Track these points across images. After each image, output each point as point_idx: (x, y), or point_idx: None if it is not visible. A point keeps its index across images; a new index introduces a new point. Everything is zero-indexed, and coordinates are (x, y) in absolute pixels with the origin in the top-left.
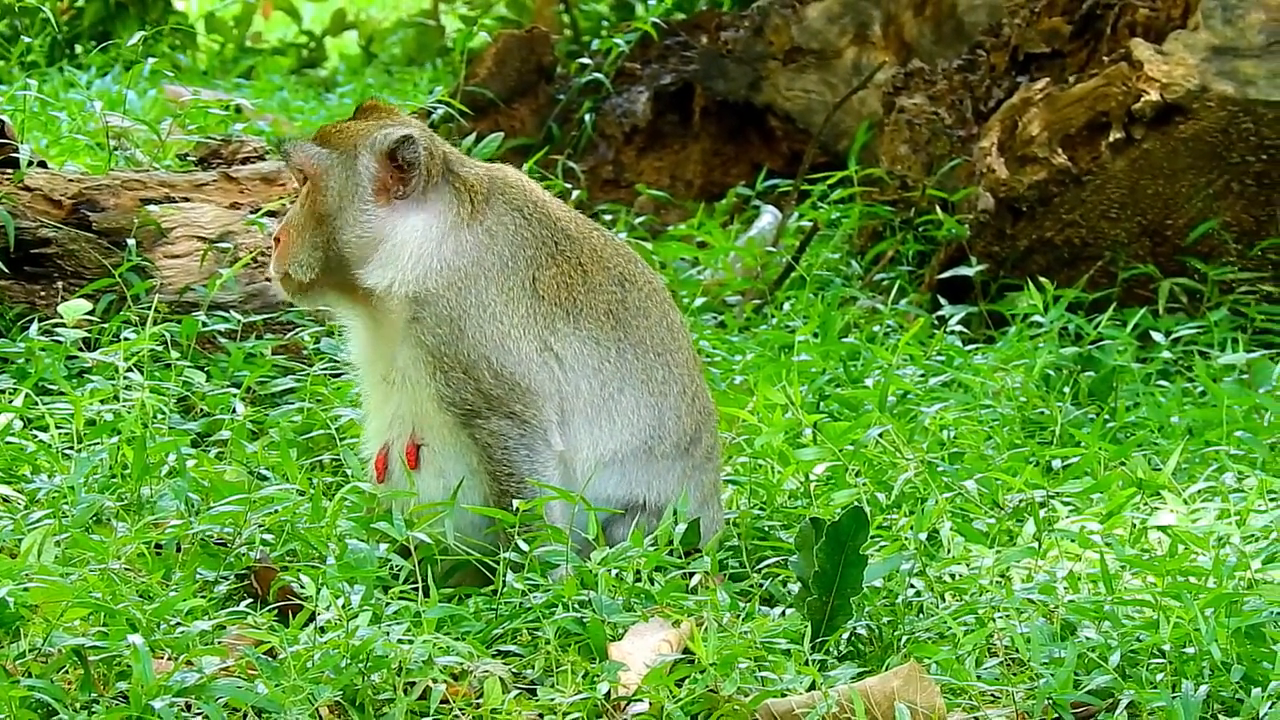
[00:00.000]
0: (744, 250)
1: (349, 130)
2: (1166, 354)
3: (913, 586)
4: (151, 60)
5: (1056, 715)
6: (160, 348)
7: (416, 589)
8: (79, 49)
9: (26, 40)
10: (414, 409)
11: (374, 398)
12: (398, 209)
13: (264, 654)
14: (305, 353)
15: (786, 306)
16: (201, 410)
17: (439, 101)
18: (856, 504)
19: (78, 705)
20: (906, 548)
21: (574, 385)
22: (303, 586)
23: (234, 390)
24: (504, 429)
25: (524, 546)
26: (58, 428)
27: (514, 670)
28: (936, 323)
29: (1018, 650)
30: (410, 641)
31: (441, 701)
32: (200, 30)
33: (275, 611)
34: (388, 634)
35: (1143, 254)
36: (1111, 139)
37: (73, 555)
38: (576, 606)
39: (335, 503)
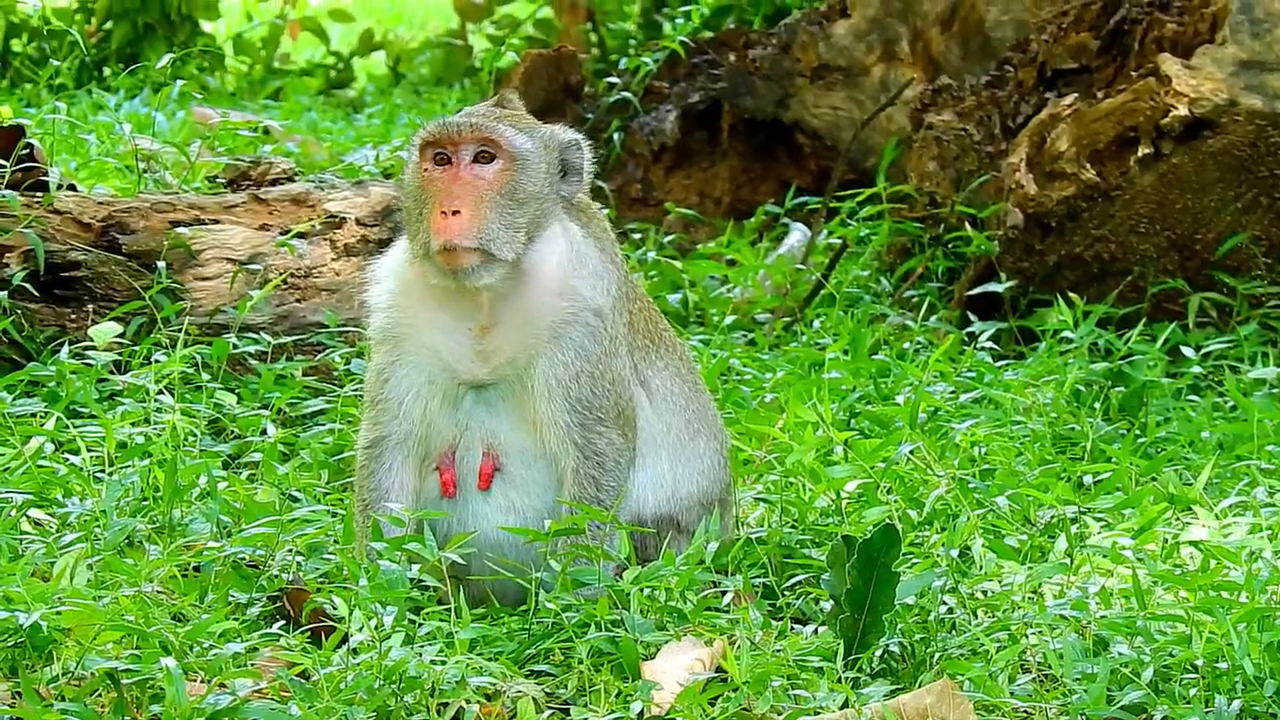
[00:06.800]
0: (773, 268)
1: (530, 120)
2: (1197, 369)
3: (945, 603)
4: (180, 82)
5: None
6: (191, 370)
7: (449, 610)
8: (107, 71)
9: (55, 63)
10: (511, 421)
11: (436, 399)
12: (569, 211)
13: (297, 676)
14: (336, 374)
15: (816, 324)
16: (232, 432)
17: None
18: (888, 521)
19: None
20: (938, 564)
21: (665, 421)
22: (335, 608)
23: (265, 412)
24: (619, 443)
25: (555, 566)
26: (89, 450)
27: (547, 690)
28: (966, 339)
29: (1050, 666)
30: (443, 662)
31: None
32: (228, 52)
33: (308, 633)
34: (420, 655)
35: (1172, 268)
36: (1140, 154)
37: (105, 578)
38: (609, 626)
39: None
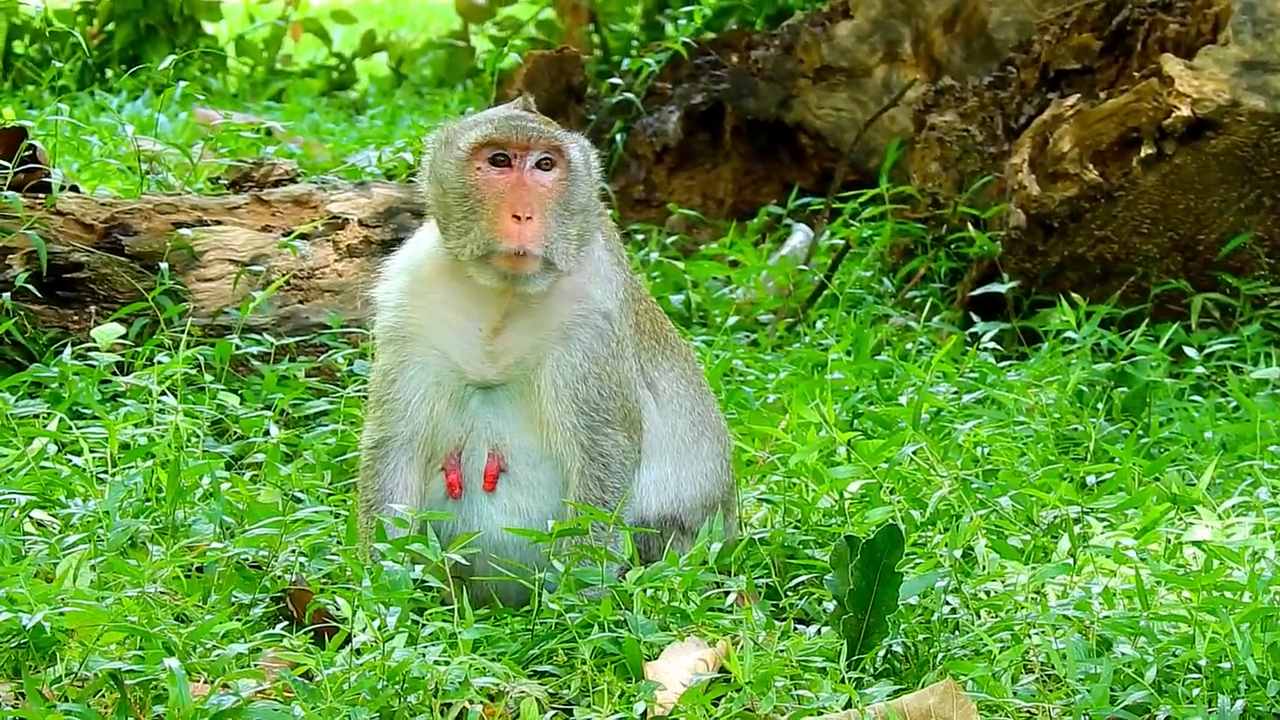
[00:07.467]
0: (776, 269)
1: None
2: (1199, 369)
3: (948, 603)
4: (182, 84)
5: None
6: (194, 371)
7: (452, 610)
8: (110, 73)
9: (57, 65)
10: (518, 422)
11: (443, 400)
12: None
13: (300, 676)
14: (339, 375)
15: (819, 325)
16: (235, 433)
17: None
18: (891, 521)
19: None
20: (941, 565)
21: (670, 424)
22: (338, 608)
23: (268, 413)
24: (625, 445)
25: (558, 566)
26: (92, 452)
27: (550, 691)
28: (969, 340)
29: (1053, 666)
30: (446, 663)
31: None
32: (230, 53)
33: (311, 634)
34: (424, 655)
35: (1174, 269)
36: (1142, 154)
37: (108, 579)
38: (612, 626)
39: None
